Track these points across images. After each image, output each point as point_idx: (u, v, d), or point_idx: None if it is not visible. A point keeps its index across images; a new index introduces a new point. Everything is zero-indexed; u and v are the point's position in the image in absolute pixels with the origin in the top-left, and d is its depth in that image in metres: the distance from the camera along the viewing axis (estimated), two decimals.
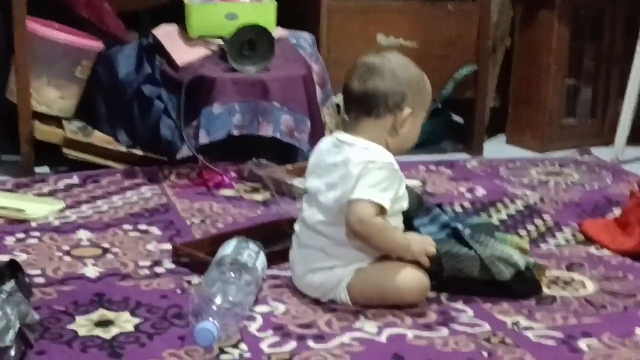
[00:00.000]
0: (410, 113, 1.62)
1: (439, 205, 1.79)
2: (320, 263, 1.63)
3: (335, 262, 1.63)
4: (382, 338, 1.52)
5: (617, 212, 2.19)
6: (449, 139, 3.12)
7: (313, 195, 1.65)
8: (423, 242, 1.62)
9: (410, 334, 1.53)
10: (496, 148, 3.05)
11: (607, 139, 3.04)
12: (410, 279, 1.61)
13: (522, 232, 2.10)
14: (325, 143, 1.69)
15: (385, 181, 1.58)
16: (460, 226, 1.68)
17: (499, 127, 3.20)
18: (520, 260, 1.67)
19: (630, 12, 3.06)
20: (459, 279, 1.67)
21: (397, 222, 1.66)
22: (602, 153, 2.94)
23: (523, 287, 1.68)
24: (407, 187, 1.71)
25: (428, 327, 1.56)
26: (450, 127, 3.19)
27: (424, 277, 1.62)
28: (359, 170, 1.57)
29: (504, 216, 2.23)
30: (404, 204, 1.65)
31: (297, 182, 2.30)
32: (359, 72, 1.62)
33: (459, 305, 1.65)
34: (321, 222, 1.63)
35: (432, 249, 1.62)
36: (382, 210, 1.58)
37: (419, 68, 1.66)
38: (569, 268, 1.87)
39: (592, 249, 1.99)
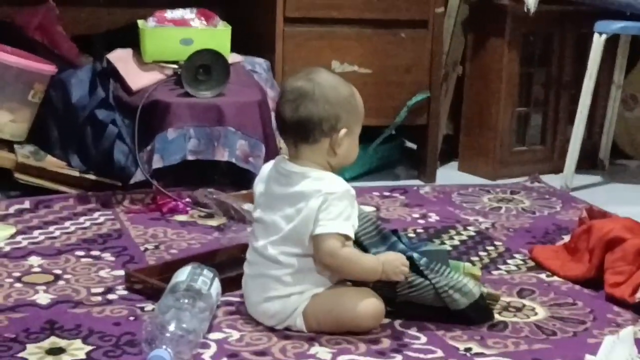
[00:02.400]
0: (346, 132, 1.63)
1: (395, 232, 1.80)
2: (277, 292, 1.63)
3: (292, 290, 1.63)
4: None
5: (566, 238, 2.23)
6: (403, 165, 3.15)
7: (269, 227, 1.65)
8: (396, 262, 1.64)
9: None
10: (449, 174, 3.09)
11: (557, 166, 3.09)
12: (365, 305, 1.62)
13: (474, 258, 2.13)
14: (270, 171, 1.69)
15: (346, 210, 1.59)
16: (415, 255, 1.70)
17: (451, 154, 3.24)
18: (475, 289, 1.68)
19: (579, 38, 3.14)
20: (413, 305, 1.68)
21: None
22: (552, 180, 2.99)
23: (477, 315, 1.70)
24: (364, 213, 1.73)
25: (382, 353, 1.57)
26: (404, 153, 3.23)
27: (378, 303, 1.63)
28: (319, 203, 1.58)
29: (456, 242, 2.26)
30: (356, 226, 1.67)
31: (247, 207, 2.30)
32: (289, 98, 1.62)
33: (413, 331, 1.66)
34: (279, 253, 1.63)
35: (404, 269, 1.64)
36: (347, 239, 1.60)
37: (347, 84, 1.67)
38: (520, 294, 1.90)
39: (543, 275, 2.02)
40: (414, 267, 1.68)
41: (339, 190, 1.60)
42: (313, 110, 1.61)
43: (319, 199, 1.58)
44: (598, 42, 2.86)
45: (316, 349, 1.58)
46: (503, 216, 2.52)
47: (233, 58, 2.71)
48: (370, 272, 1.63)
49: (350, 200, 1.61)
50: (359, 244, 1.72)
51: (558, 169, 3.04)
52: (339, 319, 1.62)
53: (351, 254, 1.61)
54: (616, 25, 2.85)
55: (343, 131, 1.62)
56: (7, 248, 2.06)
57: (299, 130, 1.63)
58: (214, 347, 1.57)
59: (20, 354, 1.51)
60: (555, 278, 2.00)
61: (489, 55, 3.07)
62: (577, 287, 1.95)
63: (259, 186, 1.70)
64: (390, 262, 1.64)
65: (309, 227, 1.59)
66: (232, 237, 2.18)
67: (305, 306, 1.63)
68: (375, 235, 1.74)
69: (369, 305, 1.62)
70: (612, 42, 3.01)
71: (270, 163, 1.71)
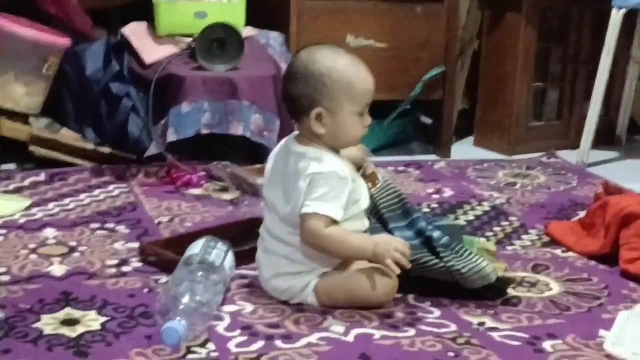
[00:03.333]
0: (322, 112, 1.58)
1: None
2: (286, 268, 1.63)
3: (300, 268, 1.63)
4: (350, 338, 1.52)
5: (582, 214, 2.21)
6: (418, 140, 3.13)
7: (272, 205, 1.65)
8: (389, 246, 1.58)
9: (377, 333, 1.54)
10: (464, 150, 3.08)
11: (573, 141, 3.07)
12: (377, 281, 1.62)
13: (489, 233, 2.12)
14: (279, 149, 1.68)
15: (331, 191, 1.56)
16: (435, 235, 1.67)
17: (467, 129, 3.22)
18: (492, 273, 1.66)
19: (597, 13, 3.10)
20: (426, 279, 1.68)
21: (358, 225, 1.65)
22: (568, 155, 2.97)
23: (490, 293, 1.69)
24: (390, 185, 1.72)
25: (395, 327, 1.57)
26: (419, 128, 3.21)
27: (390, 279, 1.63)
28: (306, 183, 1.57)
29: (470, 217, 2.25)
30: (363, 204, 1.65)
31: (261, 181, 2.29)
32: (284, 76, 1.65)
33: (426, 305, 1.66)
34: (282, 231, 1.63)
35: (397, 255, 1.57)
36: (333, 221, 1.57)
37: (336, 58, 1.59)
38: (535, 269, 1.89)
39: (557, 251, 2.01)
40: (429, 246, 1.66)
41: (325, 170, 1.57)
42: (291, 89, 1.60)
43: (306, 179, 1.57)
44: (616, 17, 2.83)
45: (330, 322, 1.58)
46: (518, 192, 2.51)
47: (247, 32, 2.70)
48: (359, 251, 1.60)
49: (337, 181, 1.57)
50: (379, 217, 1.71)
51: (574, 145, 3.02)
52: (351, 294, 1.62)
53: (335, 233, 1.57)
54: (634, 0, 2.82)
55: (315, 111, 1.58)
56: (22, 220, 2.07)
57: (288, 109, 1.64)
58: (227, 320, 1.58)
59: (35, 325, 1.52)
60: (570, 253, 1.99)
61: (506, 30, 3.04)
62: (592, 262, 1.94)
63: (269, 162, 1.69)
64: (384, 244, 1.58)
65: (298, 208, 1.58)
66: (245, 210, 2.18)
67: (316, 283, 1.63)
68: (398, 209, 1.73)
69: (381, 280, 1.62)
70: (630, 17, 2.98)
71: (285, 139, 1.71)
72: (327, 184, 1.57)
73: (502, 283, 1.70)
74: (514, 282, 1.76)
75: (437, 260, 1.66)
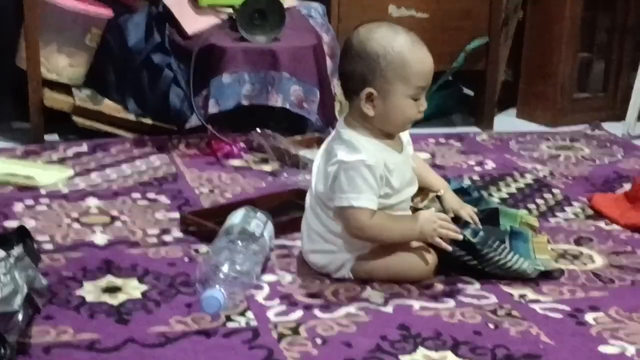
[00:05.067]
0: (372, 93, 1.53)
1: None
2: (321, 246, 1.63)
3: (334, 248, 1.62)
4: (389, 309, 1.52)
5: (627, 187, 2.18)
6: (459, 111, 3.10)
7: (313, 178, 1.63)
8: (434, 224, 1.56)
9: (416, 305, 1.54)
10: (507, 122, 3.04)
11: (619, 113, 3.01)
12: (418, 260, 1.60)
13: (531, 205, 2.10)
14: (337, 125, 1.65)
15: (362, 182, 1.53)
16: (469, 231, 1.63)
17: (510, 101, 3.18)
18: (530, 269, 1.63)
19: None
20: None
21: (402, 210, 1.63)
22: (613, 127, 2.92)
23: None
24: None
25: (434, 298, 1.56)
26: (461, 100, 3.17)
27: (430, 256, 1.61)
28: (334, 169, 1.55)
29: (513, 190, 2.22)
30: (411, 190, 1.62)
31: (303, 152, 2.29)
32: (340, 52, 1.62)
33: (466, 277, 1.65)
34: (318, 208, 1.61)
35: (443, 231, 1.55)
36: (371, 211, 1.54)
37: (393, 38, 1.53)
38: (578, 242, 1.86)
39: (601, 224, 1.98)
40: (465, 245, 1.62)
41: (352, 160, 1.53)
42: (345, 66, 1.57)
43: (334, 166, 1.55)
44: None
45: (369, 293, 1.57)
46: (562, 164, 2.47)
47: (288, 2, 2.68)
48: (406, 235, 1.58)
49: (367, 170, 1.53)
50: None
51: (620, 117, 2.96)
52: (392, 273, 1.60)
53: (379, 222, 1.55)
54: None
55: (365, 91, 1.53)
56: (66, 190, 2.09)
57: (341, 85, 1.61)
58: (266, 289, 1.58)
59: (78, 292, 1.54)
60: (614, 226, 1.96)
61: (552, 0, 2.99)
62: (637, 235, 1.91)
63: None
64: (428, 222, 1.56)
65: (328, 195, 1.56)
66: (285, 181, 2.18)
67: (352, 265, 1.62)
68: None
69: (422, 258, 1.60)
70: None
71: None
72: (356, 175, 1.53)
73: (543, 271, 1.67)
74: (559, 271, 1.70)
75: (473, 261, 1.63)
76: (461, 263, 1.63)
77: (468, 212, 1.67)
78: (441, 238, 1.57)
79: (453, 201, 1.69)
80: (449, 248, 1.57)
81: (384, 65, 1.52)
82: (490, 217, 1.72)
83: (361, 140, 1.56)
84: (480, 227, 1.65)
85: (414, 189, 1.64)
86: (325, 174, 1.57)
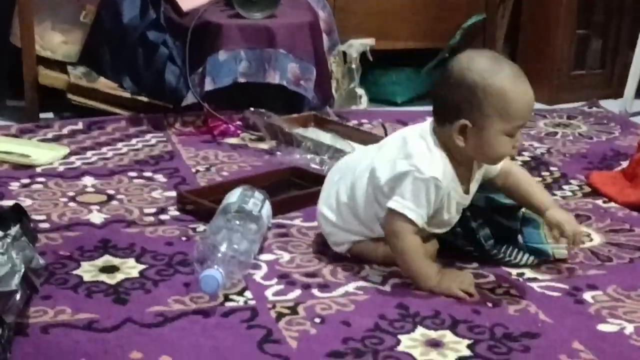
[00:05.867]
0: (466, 126, 1.46)
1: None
2: (328, 216, 1.61)
3: (341, 224, 1.60)
4: (387, 287, 1.52)
5: (624, 164, 2.17)
6: None
7: (353, 161, 1.62)
8: (453, 282, 1.49)
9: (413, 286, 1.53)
10: None
11: (617, 91, 3.01)
12: None
13: None
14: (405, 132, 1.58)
15: (424, 197, 1.48)
16: (483, 233, 1.61)
17: None
18: (533, 261, 1.62)
19: None
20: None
21: (436, 228, 1.58)
22: (610, 105, 2.91)
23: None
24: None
25: None
26: None
27: (430, 245, 1.59)
28: (404, 171, 1.48)
29: None
30: (451, 219, 1.57)
31: (297, 131, 2.28)
32: (440, 75, 1.54)
33: (464, 256, 1.64)
34: (365, 184, 1.56)
35: (460, 293, 1.48)
36: (416, 227, 1.50)
37: (495, 70, 1.45)
38: (576, 220, 1.86)
39: (599, 201, 1.98)
40: (475, 241, 1.61)
41: (427, 176, 1.47)
42: (442, 91, 1.49)
43: (407, 167, 1.48)
44: None
45: (366, 272, 1.57)
46: (559, 141, 2.47)
47: None
48: (422, 277, 1.50)
49: (435, 190, 1.47)
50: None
51: (617, 94, 2.96)
52: (388, 258, 1.58)
53: (414, 248, 1.50)
54: None
55: (459, 122, 1.46)
56: (61, 168, 2.08)
57: (433, 107, 1.53)
58: (264, 268, 1.58)
59: (75, 271, 1.54)
60: (612, 204, 1.96)
61: None
62: (635, 213, 1.91)
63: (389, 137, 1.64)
64: (449, 280, 1.50)
65: (384, 191, 1.51)
66: (281, 159, 2.17)
67: (350, 247, 1.62)
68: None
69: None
70: None
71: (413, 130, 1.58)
72: (424, 189, 1.47)
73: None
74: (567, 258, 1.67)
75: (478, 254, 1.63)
76: (464, 252, 1.63)
77: (574, 230, 1.55)
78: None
79: (560, 216, 1.57)
80: (465, 297, 1.49)
81: (482, 97, 1.44)
82: (508, 213, 1.67)
83: (443, 160, 1.50)
84: (565, 247, 1.62)
85: (446, 229, 1.59)
86: (393, 165, 1.51)
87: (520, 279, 1.57)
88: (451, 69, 1.48)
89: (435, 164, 1.49)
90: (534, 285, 1.55)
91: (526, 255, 1.63)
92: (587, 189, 2.06)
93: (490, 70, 1.45)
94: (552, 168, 2.22)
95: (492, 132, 1.46)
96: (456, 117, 1.47)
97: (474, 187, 1.58)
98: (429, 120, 1.55)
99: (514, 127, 1.47)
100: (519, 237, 1.66)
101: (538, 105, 2.95)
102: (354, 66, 2.77)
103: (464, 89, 1.45)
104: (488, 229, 1.62)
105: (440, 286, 1.50)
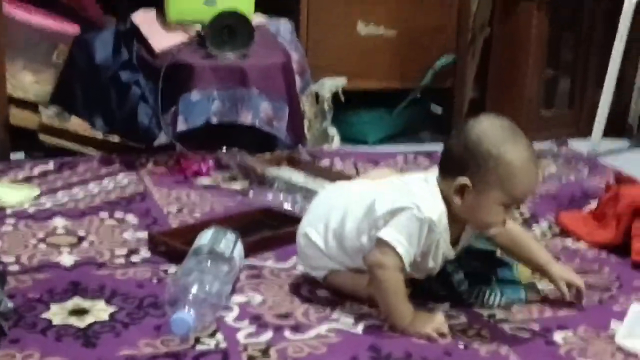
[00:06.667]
0: (466, 186, 1.48)
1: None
2: (321, 240, 1.61)
3: (331, 252, 1.60)
4: (359, 329, 1.52)
5: (593, 204, 2.20)
6: (428, 129, 3.12)
7: (356, 189, 1.63)
8: (425, 325, 1.50)
9: (386, 325, 1.53)
10: None
11: (585, 130, 3.05)
12: None
13: None
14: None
15: (418, 237, 1.49)
16: (457, 278, 1.62)
17: None
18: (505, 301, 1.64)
19: (610, 2, 3.07)
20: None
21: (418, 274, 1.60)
22: (579, 145, 2.95)
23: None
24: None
25: None
26: (429, 117, 3.19)
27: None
28: (402, 206, 1.49)
29: None
30: (434, 269, 1.58)
31: (270, 171, 2.29)
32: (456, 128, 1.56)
33: (436, 297, 1.65)
34: (359, 213, 1.57)
35: (433, 334, 1.49)
36: (401, 264, 1.50)
37: (513, 147, 1.47)
38: None
39: (569, 242, 2.00)
40: (452, 291, 1.63)
41: (426, 216, 1.48)
42: (452, 145, 1.51)
43: (406, 203, 1.49)
44: (629, 5, 2.80)
45: (339, 314, 1.57)
46: None
47: (257, 19, 2.68)
48: (397, 314, 1.51)
49: (430, 233, 1.50)
50: None
51: (586, 134, 2.99)
52: (359, 294, 1.60)
53: (394, 284, 1.50)
54: None
55: (460, 180, 1.48)
56: (32, 209, 2.07)
57: (440, 160, 1.55)
58: (236, 310, 1.57)
59: (44, 315, 1.52)
60: (582, 244, 1.98)
61: (518, 18, 3.02)
62: (604, 253, 1.93)
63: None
64: (422, 322, 1.51)
65: (378, 221, 1.52)
66: (253, 200, 2.17)
67: (326, 274, 1.63)
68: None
69: None
70: None
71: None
72: (418, 229, 1.48)
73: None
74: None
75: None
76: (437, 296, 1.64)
77: (578, 282, 1.63)
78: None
79: (568, 274, 1.64)
80: (437, 339, 1.49)
81: (492, 166, 1.46)
82: (483, 257, 1.69)
83: (441, 208, 1.51)
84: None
85: (425, 275, 1.60)
86: (393, 200, 1.51)
87: (492, 320, 1.57)
88: (469, 129, 1.49)
89: (434, 208, 1.50)
90: (505, 326, 1.55)
91: (498, 297, 1.64)
92: (557, 229, 2.08)
93: (507, 143, 1.47)
94: (522, 208, 2.23)
95: (490, 200, 1.48)
96: (459, 173, 1.49)
97: (462, 244, 1.59)
98: (435, 169, 1.56)
99: (512, 202, 1.50)
100: (493, 278, 1.67)
101: None
102: (326, 106, 2.78)
103: (476, 152, 1.47)
104: (462, 273, 1.63)
105: (414, 327, 1.50)
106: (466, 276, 1.63)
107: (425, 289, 1.63)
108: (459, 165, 1.49)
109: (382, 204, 1.53)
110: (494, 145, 1.47)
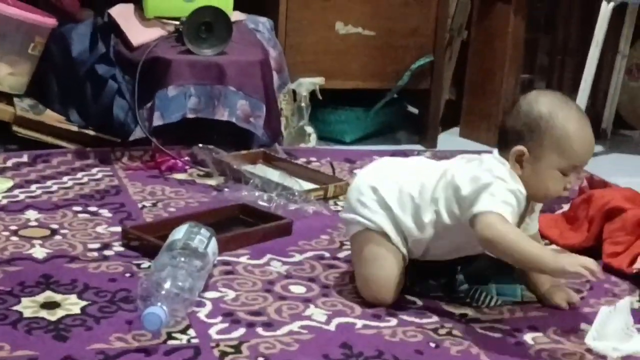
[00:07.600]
0: (523, 152, 1.50)
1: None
2: (387, 194, 1.60)
3: (391, 203, 1.59)
4: (331, 327, 1.52)
5: (565, 207, 2.22)
6: (404, 129, 3.13)
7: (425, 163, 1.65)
8: (576, 260, 1.45)
9: (359, 323, 1.54)
10: (450, 140, 3.07)
11: None
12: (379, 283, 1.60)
13: None
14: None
15: (510, 202, 1.48)
16: (460, 278, 1.65)
17: (453, 120, 3.22)
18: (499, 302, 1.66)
19: (585, 6, 3.10)
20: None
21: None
22: None
23: None
24: None
25: (377, 317, 1.57)
26: (405, 118, 3.21)
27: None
28: (490, 180, 1.48)
29: None
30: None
31: (246, 167, 2.28)
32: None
33: (409, 296, 1.66)
34: (421, 184, 1.58)
35: (583, 270, 1.43)
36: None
37: (563, 108, 1.50)
38: None
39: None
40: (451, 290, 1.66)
41: (512, 188, 1.48)
42: (507, 120, 1.55)
43: (489, 179, 1.49)
44: (605, 10, 2.83)
45: (311, 311, 1.57)
46: None
47: (236, 16, 2.68)
48: (536, 258, 1.46)
49: (517, 200, 1.49)
50: None
51: None
52: (357, 272, 1.63)
53: (513, 232, 1.47)
54: None
55: (517, 148, 1.50)
56: (4, 201, 2.05)
57: (498, 139, 1.57)
58: (209, 306, 1.57)
59: (15, 307, 1.51)
60: (553, 247, 1.99)
61: (495, 20, 3.04)
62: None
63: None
64: (570, 256, 1.48)
65: (446, 193, 1.54)
66: (228, 196, 2.17)
67: (355, 233, 1.62)
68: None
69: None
70: (619, 11, 2.98)
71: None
72: (511, 194, 1.48)
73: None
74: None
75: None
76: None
77: (575, 300, 1.67)
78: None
79: (564, 296, 1.66)
80: (590, 277, 1.45)
81: (545, 128, 1.49)
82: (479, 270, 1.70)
83: (516, 177, 1.52)
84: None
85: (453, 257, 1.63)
86: (476, 179, 1.50)
87: (463, 320, 1.58)
88: (521, 101, 1.54)
89: (516, 181, 1.51)
90: (476, 326, 1.56)
91: (494, 299, 1.65)
92: None
93: (557, 106, 1.51)
94: None
95: (547, 165, 1.50)
96: (516, 143, 1.51)
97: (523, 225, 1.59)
98: (481, 155, 1.59)
99: (569, 166, 1.51)
100: (490, 278, 1.69)
101: (483, 147, 3.00)
102: (303, 104, 2.79)
103: (528, 117, 1.51)
104: (462, 274, 1.65)
105: (562, 266, 1.43)
106: (466, 276, 1.66)
107: (416, 284, 1.66)
108: (515, 137, 1.52)
109: (464, 183, 1.52)
110: (546, 108, 1.50)
